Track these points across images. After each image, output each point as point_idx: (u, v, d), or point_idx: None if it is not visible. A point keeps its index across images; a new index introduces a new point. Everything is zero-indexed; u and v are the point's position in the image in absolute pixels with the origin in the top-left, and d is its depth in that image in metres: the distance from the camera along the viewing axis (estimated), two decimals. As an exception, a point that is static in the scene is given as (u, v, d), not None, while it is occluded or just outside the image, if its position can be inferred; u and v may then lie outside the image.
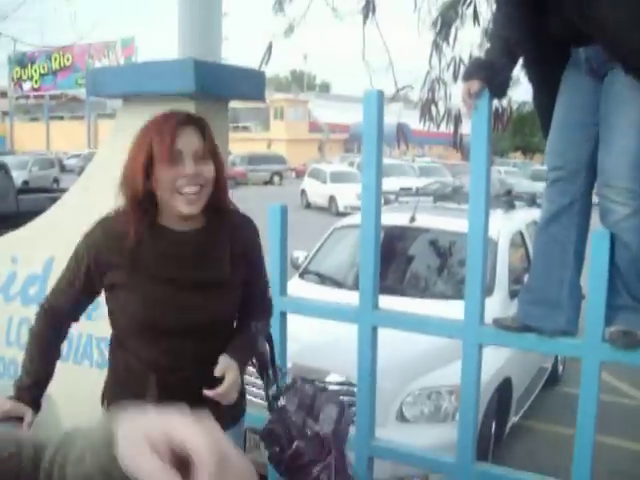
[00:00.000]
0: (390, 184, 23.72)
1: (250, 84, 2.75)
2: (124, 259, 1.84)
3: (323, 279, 5.27)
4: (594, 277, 2.18)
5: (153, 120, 1.86)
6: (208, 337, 1.90)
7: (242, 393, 2.01)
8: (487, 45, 5.35)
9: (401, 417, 3.68)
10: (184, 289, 1.86)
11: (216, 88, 2.60)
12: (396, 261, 5.15)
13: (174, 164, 1.80)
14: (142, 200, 1.83)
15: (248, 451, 3.96)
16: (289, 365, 3.96)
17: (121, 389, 1.93)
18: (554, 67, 2.40)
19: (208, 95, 2.62)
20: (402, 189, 21.77)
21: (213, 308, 1.90)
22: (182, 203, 1.82)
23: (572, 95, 2.35)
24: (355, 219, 5.00)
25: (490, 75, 2.31)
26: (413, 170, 25.21)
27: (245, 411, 2.09)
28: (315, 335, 3.88)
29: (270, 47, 5.32)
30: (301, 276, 5.48)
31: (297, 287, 5.12)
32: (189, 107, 2.60)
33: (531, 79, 2.53)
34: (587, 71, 2.31)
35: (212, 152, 1.88)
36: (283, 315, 2.78)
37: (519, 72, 5.21)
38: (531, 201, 6.45)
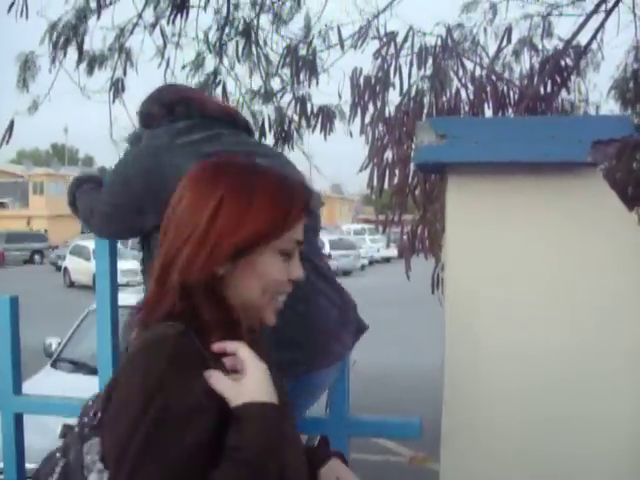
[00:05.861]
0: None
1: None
2: None
3: (78, 366, 4.94)
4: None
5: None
6: None
7: None
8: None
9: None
10: None
11: None
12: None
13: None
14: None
15: None
16: None
17: None
18: None
19: None
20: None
21: None
22: (271, 312, 1.37)
23: None
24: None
25: None
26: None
27: None
28: None
29: (12, 125, 5.05)
30: (53, 365, 5.11)
31: (48, 378, 4.78)
32: None
33: None
34: None
35: None
36: (19, 417, 2.53)
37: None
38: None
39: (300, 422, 2.28)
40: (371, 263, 35.87)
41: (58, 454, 1.31)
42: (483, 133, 1.91)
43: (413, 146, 3.89)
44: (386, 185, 4.06)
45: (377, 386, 8.37)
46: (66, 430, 1.37)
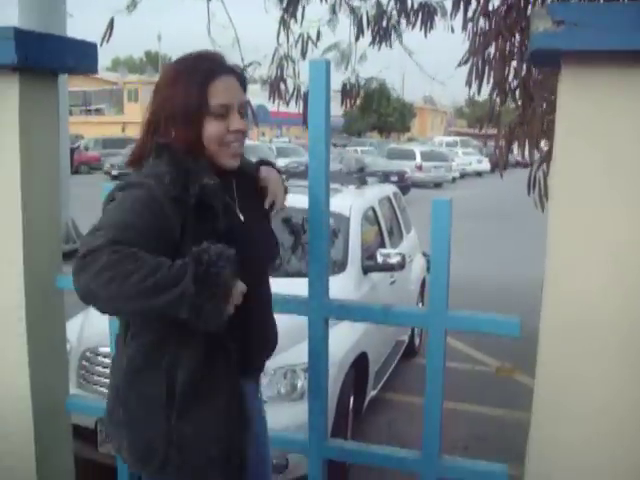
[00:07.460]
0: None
1: (80, 56, 2.57)
2: None
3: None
4: (435, 246, 2.18)
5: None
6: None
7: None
8: (334, 21, 5.43)
9: (257, 398, 3.63)
10: None
11: (42, 60, 2.41)
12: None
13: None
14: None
15: (100, 444, 3.79)
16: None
17: None
18: None
19: (34, 68, 2.44)
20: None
21: None
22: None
23: None
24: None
25: None
26: (271, 151, 25.30)
27: None
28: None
29: (112, 23, 5.10)
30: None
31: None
32: (12, 81, 2.41)
33: None
34: None
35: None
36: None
37: (366, 48, 5.33)
38: (385, 177, 6.54)
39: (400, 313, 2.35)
40: (462, 176, 35.22)
41: None
42: (604, 20, 1.79)
43: (516, 42, 3.72)
44: (484, 84, 3.92)
45: (463, 296, 8.35)
46: None
